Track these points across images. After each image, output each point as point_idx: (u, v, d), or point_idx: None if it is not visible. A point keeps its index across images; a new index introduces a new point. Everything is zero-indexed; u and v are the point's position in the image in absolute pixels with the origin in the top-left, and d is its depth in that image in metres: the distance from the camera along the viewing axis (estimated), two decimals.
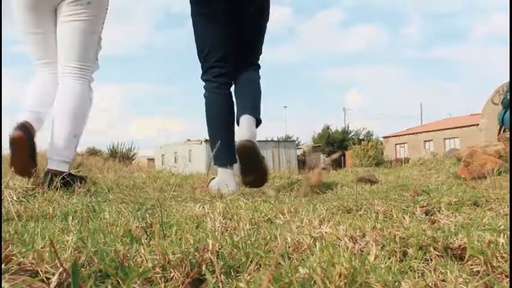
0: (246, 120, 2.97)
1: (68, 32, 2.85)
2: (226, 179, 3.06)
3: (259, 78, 3.28)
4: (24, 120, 2.71)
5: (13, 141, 2.66)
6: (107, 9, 2.97)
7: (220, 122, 3.14)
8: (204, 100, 3.22)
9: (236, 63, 3.20)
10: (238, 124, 3.05)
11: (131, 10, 73.20)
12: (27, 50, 2.99)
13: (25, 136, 2.67)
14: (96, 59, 3.01)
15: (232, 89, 3.23)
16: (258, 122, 3.06)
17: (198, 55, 3.23)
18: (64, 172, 2.79)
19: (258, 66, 3.33)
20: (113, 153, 23.94)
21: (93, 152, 22.81)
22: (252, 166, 2.91)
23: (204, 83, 3.23)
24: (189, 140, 32.56)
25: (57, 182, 2.63)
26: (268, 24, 3.30)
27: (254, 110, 3.05)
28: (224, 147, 2.91)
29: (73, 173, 2.99)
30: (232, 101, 3.18)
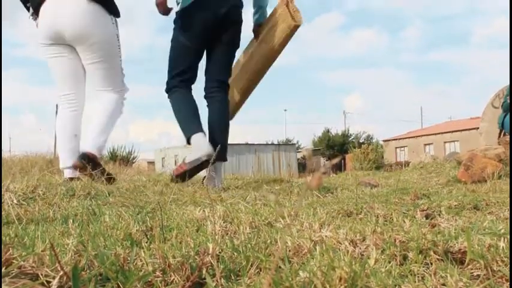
0: (211, 148, 3.34)
1: (92, 72, 3.38)
2: (200, 143, 3.39)
3: (226, 97, 3.68)
4: (86, 151, 3.28)
5: (78, 167, 3.21)
6: (118, 45, 3.40)
7: (189, 108, 3.55)
8: (171, 99, 3.61)
9: (208, 80, 3.68)
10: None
11: (133, 13, 73.38)
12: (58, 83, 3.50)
13: (85, 166, 3.15)
14: (123, 83, 3.52)
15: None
16: (223, 151, 3.44)
17: (170, 61, 3.65)
18: (96, 156, 3.21)
19: (226, 84, 3.72)
20: (113, 157, 23.91)
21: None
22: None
23: (170, 86, 3.63)
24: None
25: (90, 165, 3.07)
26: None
27: (222, 143, 3.39)
28: (192, 120, 3.46)
29: (101, 165, 3.36)
30: (196, 103, 3.62)
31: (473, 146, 10.13)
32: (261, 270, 1.07)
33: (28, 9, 3.46)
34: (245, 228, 1.57)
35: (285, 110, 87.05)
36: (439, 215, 1.95)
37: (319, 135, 45.28)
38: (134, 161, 32.44)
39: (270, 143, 40.62)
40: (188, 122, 3.42)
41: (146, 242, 1.35)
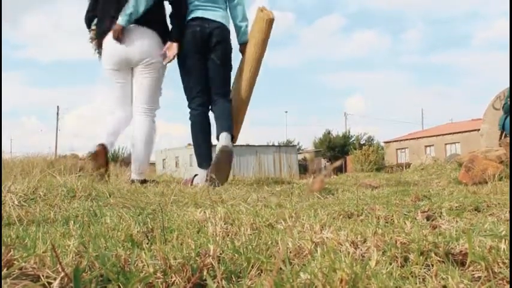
0: (224, 135, 4.00)
1: (141, 85, 4.10)
2: (204, 176, 3.97)
3: (230, 104, 4.24)
4: (103, 141, 4.02)
5: (95, 153, 3.97)
6: (165, 68, 4.23)
7: (202, 137, 4.25)
8: (190, 122, 4.27)
9: (212, 95, 4.24)
10: (218, 139, 4.05)
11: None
12: (109, 95, 4.29)
13: (103, 151, 3.99)
14: (158, 101, 4.25)
15: (211, 113, 4.32)
16: (233, 137, 4.12)
17: (184, 89, 4.27)
18: (141, 179, 4.05)
19: (228, 96, 4.29)
20: (114, 158, 23.92)
21: None
22: (224, 166, 3.96)
23: (189, 110, 4.26)
24: (189, 144, 32.53)
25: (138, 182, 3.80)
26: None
27: (229, 128, 4.06)
28: (205, 155, 4.21)
29: (147, 179, 4.17)
30: (210, 123, 4.27)
31: (474, 147, 10.12)
32: (262, 272, 1.07)
33: (89, 31, 4.28)
34: (246, 229, 1.57)
35: (286, 112, 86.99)
36: (440, 216, 1.95)
37: (320, 136, 45.26)
38: None
39: (270, 144, 40.62)
40: (202, 156, 4.26)
41: (147, 244, 1.35)
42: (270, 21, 4.17)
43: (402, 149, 41.86)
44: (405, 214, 1.96)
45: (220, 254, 1.17)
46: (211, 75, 4.20)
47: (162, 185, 3.61)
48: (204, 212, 1.90)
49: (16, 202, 2.26)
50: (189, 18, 4.09)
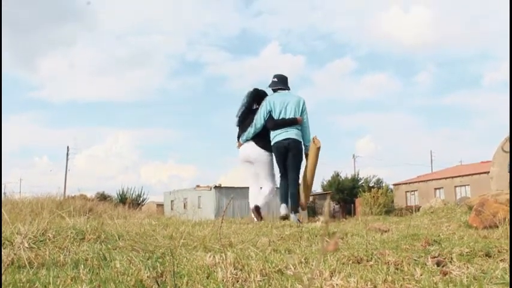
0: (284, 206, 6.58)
1: (261, 169, 6.72)
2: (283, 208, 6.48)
3: (296, 177, 6.70)
4: (257, 205, 6.53)
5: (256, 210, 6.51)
6: (272, 162, 6.76)
7: (285, 192, 6.68)
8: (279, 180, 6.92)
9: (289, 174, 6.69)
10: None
11: (147, 57, 74.65)
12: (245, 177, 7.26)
13: (259, 210, 6.49)
14: (273, 180, 6.84)
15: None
16: (298, 206, 6.78)
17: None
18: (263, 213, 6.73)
19: (298, 175, 6.69)
20: (122, 199, 23.93)
21: (102, 198, 22.84)
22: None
23: (280, 179, 6.87)
24: (198, 186, 32.50)
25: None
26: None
27: (291, 201, 6.66)
28: (285, 197, 6.67)
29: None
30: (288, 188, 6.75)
31: (484, 190, 10.03)
32: None
33: (237, 143, 7.04)
34: (256, 275, 1.57)
35: None
36: (451, 262, 1.93)
37: (329, 178, 44.99)
38: (143, 203, 32.35)
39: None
40: (282, 197, 6.58)
41: None
42: (318, 148, 6.52)
43: (412, 191, 41.49)
44: (415, 260, 1.95)
45: None
46: (289, 164, 6.63)
47: (171, 228, 3.61)
48: (214, 257, 1.90)
49: (26, 244, 2.27)
50: (280, 138, 6.57)
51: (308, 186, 6.91)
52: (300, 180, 6.81)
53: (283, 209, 6.47)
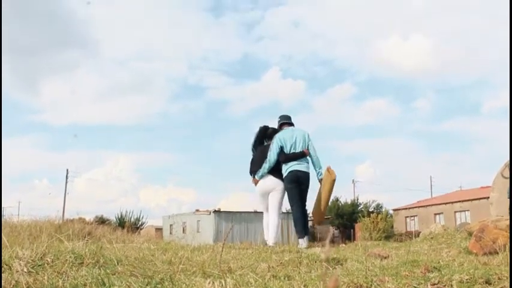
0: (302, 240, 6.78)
1: (273, 200, 7.04)
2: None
3: (305, 207, 7.17)
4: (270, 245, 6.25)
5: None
6: (283, 192, 7.05)
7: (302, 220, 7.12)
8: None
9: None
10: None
11: (148, 82, 75.00)
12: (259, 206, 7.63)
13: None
14: (280, 211, 7.28)
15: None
16: (307, 232, 7.11)
17: (290, 199, 7.08)
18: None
19: (305, 204, 7.17)
20: (121, 223, 23.82)
21: (101, 221, 22.75)
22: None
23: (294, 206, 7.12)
24: (197, 210, 32.38)
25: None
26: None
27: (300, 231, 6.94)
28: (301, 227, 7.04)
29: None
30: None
31: (484, 215, 10.01)
32: None
33: (252, 179, 7.33)
34: None
35: None
36: None
37: (328, 204, 44.88)
38: (142, 227, 32.19)
39: None
40: (301, 229, 6.95)
41: None
42: (334, 180, 7.02)
43: (411, 216, 41.30)
44: (415, 287, 1.94)
45: None
46: (301, 195, 7.09)
47: (170, 253, 3.59)
48: (213, 283, 1.89)
49: (24, 269, 2.26)
50: (293, 169, 6.97)
51: (321, 213, 7.57)
52: (311, 208, 7.45)
53: (303, 242, 6.80)
